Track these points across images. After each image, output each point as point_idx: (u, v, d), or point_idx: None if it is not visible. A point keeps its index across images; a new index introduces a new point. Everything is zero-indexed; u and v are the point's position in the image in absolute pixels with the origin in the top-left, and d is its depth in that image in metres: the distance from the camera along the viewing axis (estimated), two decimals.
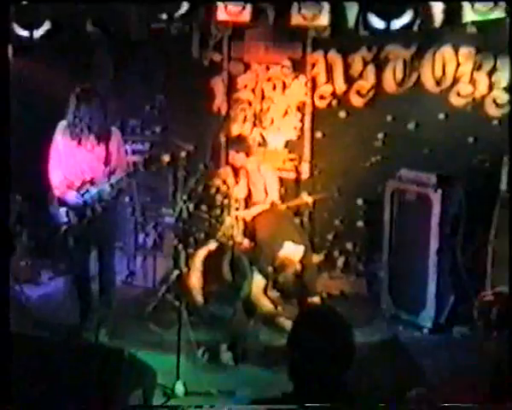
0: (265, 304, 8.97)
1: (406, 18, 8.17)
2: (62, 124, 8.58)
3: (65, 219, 8.62)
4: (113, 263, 9.26)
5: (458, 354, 8.28)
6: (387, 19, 8.16)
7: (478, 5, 8.11)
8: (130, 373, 6.43)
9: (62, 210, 8.63)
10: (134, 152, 10.51)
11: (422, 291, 9.11)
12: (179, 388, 7.21)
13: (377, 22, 8.24)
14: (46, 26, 9.20)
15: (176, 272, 8.75)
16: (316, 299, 8.94)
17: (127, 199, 10.58)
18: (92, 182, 8.47)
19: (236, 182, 9.02)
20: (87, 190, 8.44)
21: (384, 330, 8.95)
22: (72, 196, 8.48)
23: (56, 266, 10.89)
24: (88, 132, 8.40)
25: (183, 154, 9.89)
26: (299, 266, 8.85)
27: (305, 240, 9.26)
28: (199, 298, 9.11)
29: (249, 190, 9.44)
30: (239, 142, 10.20)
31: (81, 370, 6.13)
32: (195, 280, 9.12)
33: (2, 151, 5.72)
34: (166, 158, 10.38)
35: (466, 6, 8.19)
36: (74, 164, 8.53)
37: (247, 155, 9.58)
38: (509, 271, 7.39)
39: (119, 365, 6.31)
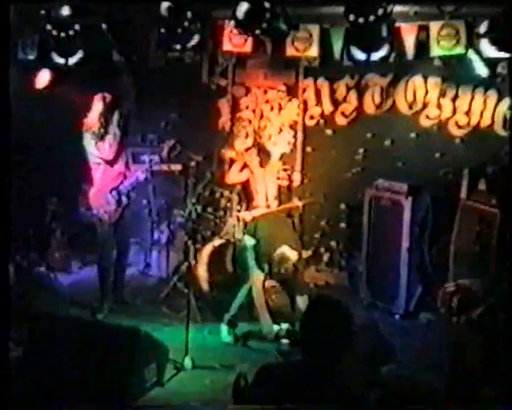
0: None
1: (383, 51, 8.16)
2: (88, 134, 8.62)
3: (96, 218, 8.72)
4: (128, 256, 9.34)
5: (425, 336, 8.32)
6: (367, 52, 8.16)
7: (443, 42, 8.10)
8: (145, 349, 6.46)
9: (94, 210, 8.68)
10: (151, 162, 10.51)
11: (395, 283, 9.11)
12: (188, 362, 7.20)
13: (359, 54, 8.23)
14: (79, 54, 9.19)
15: (185, 264, 8.75)
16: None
17: (145, 202, 10.56)
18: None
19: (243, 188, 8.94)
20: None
21: (363, 316, 8.94)
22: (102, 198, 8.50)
23: (85, 257, 10.89)
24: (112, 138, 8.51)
25: (193, 164, 9.87)
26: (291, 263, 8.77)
27: (297, 241, 9.20)
28: (205, 286, 9.11)
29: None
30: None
31: (102, 345, 6.16)
32: (202, 271, 9.11)
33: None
34: (179, 167, 10.40)
35: (433, 42, 8.19)
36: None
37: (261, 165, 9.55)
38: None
39: (136, 342, 6.34)
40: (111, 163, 8.74)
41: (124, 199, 8.81)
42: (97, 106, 8.65)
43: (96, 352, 6.15)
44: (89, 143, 8.66)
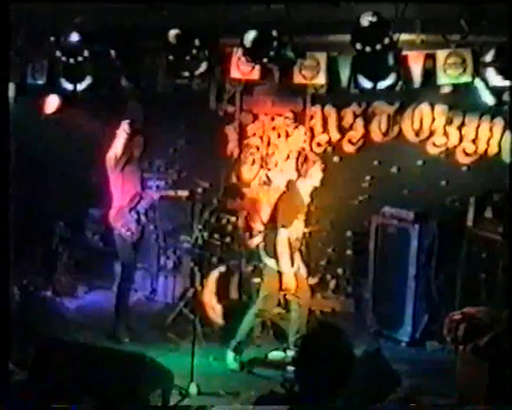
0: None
1: (390, 80, 8.19)
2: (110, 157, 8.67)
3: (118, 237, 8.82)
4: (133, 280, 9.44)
5: (431, 363, 8.31)
6: (374, 80, 8.20)
7: (449, 70, 8.14)
8: (151, 375, 6.45)
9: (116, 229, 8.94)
10: (158, 187, 10.58)
11: (401, 311, 9.14)
12: (193, 389, 7.21)
13: (366, 83, 8.26)
14: (88, 80, 9.26)
15: (192, 291, 8.77)
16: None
17: (152, 227, 10.61)
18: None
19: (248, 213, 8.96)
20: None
21: (368, 344, 8.92)
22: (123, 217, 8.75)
23: (91, 282, 10.93)
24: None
25: (200, 190, 9.91)
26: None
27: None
28: (211, 313, 9.13)
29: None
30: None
31: (107, 371, 6.15)
32: (208, 297, 9.14)
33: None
34: (186, 193, 10.44)
35: (440, 71, 8.23)
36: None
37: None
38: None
39: (141, 368, 6.33)
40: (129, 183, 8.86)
41: (143, 218, 8.89)
42: (122, 133, 8.77)
43: (100, 377, 6.15)
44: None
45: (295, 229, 8.31)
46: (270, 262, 8.21)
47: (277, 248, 8.08)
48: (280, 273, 8.14)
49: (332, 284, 10.14)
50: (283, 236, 8.10)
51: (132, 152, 8.92)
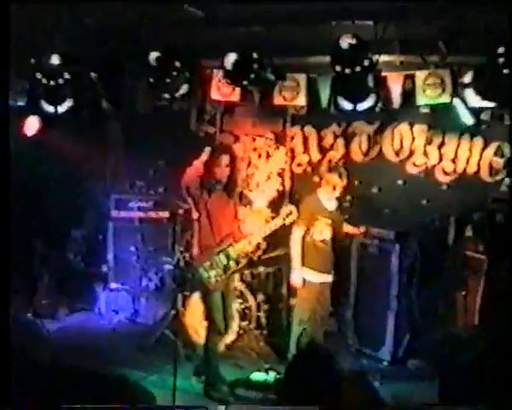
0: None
1: (370, 101, 8.28)
2: None
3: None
4: None
5: (412, 382, 8.36)
6: (354, 101, 8.28)
7: (429, 91, 8.24)
8: (133, 398, 6.45)
9: None
10: (139, 209, 10.63)
11: (383, 330, 9.18)
12: None
13: (345, 104, 8.35)
14: (68, 102, 9.29)
15: (173, 312, 8.77)
16: None
17: (133, 249, 10.63)
18: None
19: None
20: None
21: (350, 363, 8.97)
22: None
23: (72, 304, 10.92)
24: None
25: (181, 211, 9.93)
26: None
27: None
28: (193, 334, 9.14)
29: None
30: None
31: (89, 394, 6.14)
32: (190, 319, 9.15)
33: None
34: (166, 215, 10.49)
35: (419, 91, 8.33)
36: None
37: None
38: None
39: (123, 391, 6.34)
40: None
41: None
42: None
43: (82, 401, 6.14)
44: None
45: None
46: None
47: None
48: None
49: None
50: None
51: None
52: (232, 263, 8.00)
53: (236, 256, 8.02)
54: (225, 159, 7.98)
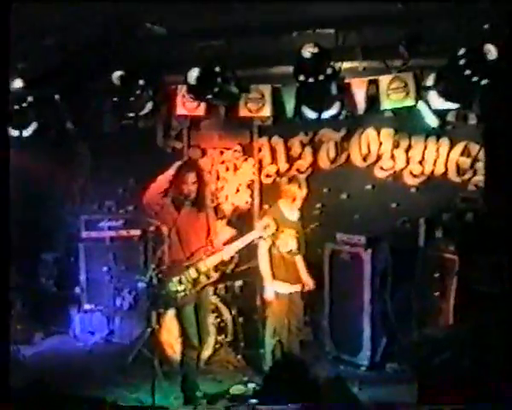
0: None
1: (334, 109, 8.32)
2: None
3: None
4: None
5: (391, 385, 8.40)
6: (319, 110, 8.32)
7: (393, 95, 8.30)
8: None
9: None
10: (110, 228, 10.59)
11: (359, 335, 9.19)
12: None
13: (310, 113, 8.39)
14: (33, 126, 9.24)
15: (149, 330, 8.74)
16: None
17: (105, 268, 10.59)
18: None
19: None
20: None
21: (328, 370, 8.99)
22: None
23: (48, 328, 10.85)
24: None
25: (152, 228, 9.91)
26: None
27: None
28: (170, 351, 9.12)
29: None
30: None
31: None
32: (166, 336, 9.13)
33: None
34: (138, 232, 10.47)
35: (383, 96, 8.38)
36: None
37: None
38: None
39: None
40: None
41: None
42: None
43: None
44: None
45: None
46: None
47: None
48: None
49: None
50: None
51: None
52: (202, 277, 7.94)
53: (206, 270, 7.94)
54: (191, 177, 7.92)
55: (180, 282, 7.87)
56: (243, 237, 8.23)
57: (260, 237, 8.21)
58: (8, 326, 5.31)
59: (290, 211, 8.73)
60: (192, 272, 7.88)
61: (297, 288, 8.75)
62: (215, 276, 8.03)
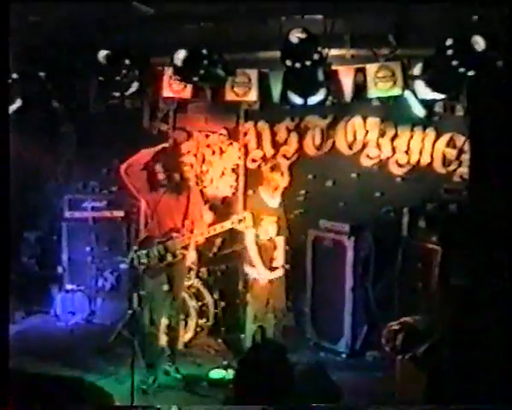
0: None
1: (320, 95, 8.31)
2: None
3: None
4: None
5: (371, 373, 8.43)
6: (305, 96, 8.30)
7: (380, 83, 8.30)
8: (90, 399, 6.40)
9: None
10: (93, 208, 10.55)
11: (340, 323, 9.23)
12: None
13: (296, 99, 8.37)
14: (17, 103, 9.17)
15: (130, 312, 8.73)
16: None
17: (88, 249, 10.56)
18: None
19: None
20: None
21: (309, 357, 9.00)
22: None
23: (29, 307, 10.81)
24: None
25: (135, 209, 9.89)
26: None
27: None
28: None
29: None
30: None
31: (45, 397, 6.10)
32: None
33: None
34: (121, 213, 10.44)
35: (371, 84, 8.38)
36: None
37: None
38: None
39: (80, 392, 6.29)
40: None
41: None
42: None
43: (38, 404, 6.09)
44: None
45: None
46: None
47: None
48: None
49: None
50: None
51: None
52: (169, 255, 8.15)
53: (174, 250, 8.15)
54: (159, 166, 8.25)
55: (147, 255, 8.16)
56: (215, 225, 8.38)
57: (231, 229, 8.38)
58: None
59: (271, 198, 8.73)
60: (160, 249, 8.11)
61: (276, 274, 8.76)
62: (180, 256, 8.21)
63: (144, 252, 8.18)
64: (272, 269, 8.71)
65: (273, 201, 8.75)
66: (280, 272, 8.79)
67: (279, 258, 8.82)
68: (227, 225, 8.31)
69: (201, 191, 10.18)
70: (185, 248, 8.29)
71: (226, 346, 9.26)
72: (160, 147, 8.24)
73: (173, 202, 8.31)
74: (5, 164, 5.32)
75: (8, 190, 5.37)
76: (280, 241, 8.84)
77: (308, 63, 7.71)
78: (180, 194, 8.29)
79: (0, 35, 5.24)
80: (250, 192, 10.10)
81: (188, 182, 8.74)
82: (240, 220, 8.26)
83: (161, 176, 8.24)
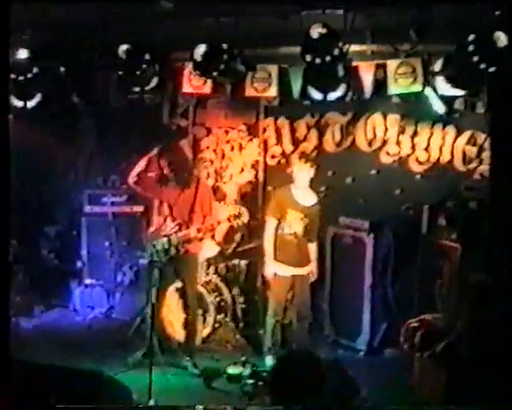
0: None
1: (340, 91, 8.24)
2: None
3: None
4: None
5: (389, 371, 8.37)
6: (324, 91, 8.24)
7: (400, 80, 8.23)
8: (108, 393, 6.40)
9: None
10: (113, 203, 10.56)
11: (358, 320, 9.21)
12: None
13: (316, 94, 8.31)
14: (38, 97, 9.17)
15: (149, 306, 8.73)
16: None
17: (107, 243, 10.57)
18: None
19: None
20: None
21: (327, 353, 8.97)
22: None
23: (48, 301, 10.84)
24: None
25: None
26: None
27: None
28: (169, 328, 9.12)
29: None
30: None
31: (64, 390, 6.10)
32: (166, 313, 9.12)
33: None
34: (140, 209, 10.44)
35: (391, 80, 8.31)
36: None
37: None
38: None
39: (98, 386, 6.29)
40: None
41: None
42: None
43: (57, 397, 6.10)
44: None
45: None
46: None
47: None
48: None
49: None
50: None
51: None
52: (172, 249, 8.27)
53: (177, 244, 8.25)
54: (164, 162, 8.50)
55: (153, 247, 8.32)
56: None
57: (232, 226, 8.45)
58: (9, 299, 5.28)
59: (301, 194, 8.68)
60: (165, 242, 8.27)
61: (298, 271, 8.69)
62: (183, 251, 8.38)
63: (152, 245, 8.29)
64: (296, 265, 8.66)
65: (303, 198, 8.70)
66: (302, 271, 8.72)
67: (304, 256, 8.76)
68: (223, 218, 8.50)
69: (217, 187, 10.22)
70: (188, 242, 8.38)
71: (244, 341, 9.23)
72: (155, 150, 8.40)
73: (180, 197, 8.45)
74: (5, 164, 5.33)
75: (9, 189, 5.38)
76: (311, 243, 8.84)
77: (328, 59, 7.65)
78: (188, 188, 8.39)
79: (0, 35, 5.25)
80: (270, 187, 10.08)
81: (196, 176, 8.77)
82: (236, 216, 8.30)
83: (167, 170, 8.41)
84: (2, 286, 5.25)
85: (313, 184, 9.26)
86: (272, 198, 8.83)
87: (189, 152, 10.47)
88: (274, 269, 8.61)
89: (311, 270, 8.79)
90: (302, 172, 8.59)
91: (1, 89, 5.47)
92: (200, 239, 8.59)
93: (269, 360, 8.56)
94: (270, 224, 8.59)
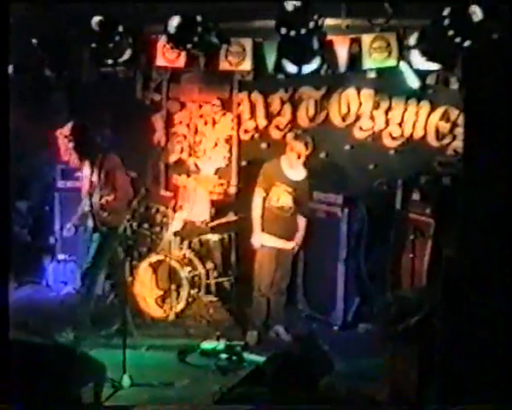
0: None
1: (315, 64, 8.15)
2: None
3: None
4: None
5: (363, 346, 8.35)
6: (299, 64, 8.16)
7: (375, 54, 8.15)
8: (82, 369, 6.32)
9: None
10: None
11: (332, 295, 9.19)
12: (126, 380, 7.08)
13: (290, 67, 8.21)
14: (8, 70, 8.98)
15: (121, 281, 8.65)
16: None
17: None
18: None
19: (176, 202, 8.91)
20: None
21: (301, 328, 8.95)
22: None
23: (21, 277, 10.71)
24: None
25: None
26: None
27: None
28: (142, 303, 9.05)
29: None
30: (180, 166, 10.24)
31: (37, 366, 6.02)
32: (139, 288, 9.05)
33: None
34: None
35: (366, 55, 8.23)
36: None
37: (188, 176, 9.72)
38: None
39: (72, 361, 6.21)
40: None
41: None
42: None
43: (30, 372, 6.01)
44: None
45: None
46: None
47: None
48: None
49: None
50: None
51: None
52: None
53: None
54: None
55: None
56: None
57: None
58: None
59: (291, 169, 8.63)
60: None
61: (284, 244, 8.68)
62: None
63: None
64: (283, 238, 8.62)
65: (293, 172, 8.64)
66: (289, 244, 8.68)
67: (292, 230, 8.72)
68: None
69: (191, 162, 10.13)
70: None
71: (219, 316, 9.19)
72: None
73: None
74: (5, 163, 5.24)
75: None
76: (300, 217, 8.81)
77: (303, 31, 7.55)
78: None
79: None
80: (244, 162, 10.04)
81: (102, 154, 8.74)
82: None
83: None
84: None
85: None
86: (261, 171, 8.72)
87: (162, 127, 10.39)
88: (261, 240, 8.57)
89: (296, 243, 8.76)
90: (296, 153, 8.54)
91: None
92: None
93: (252, 336, 8.50)
94: (258, 195, 8.57)
